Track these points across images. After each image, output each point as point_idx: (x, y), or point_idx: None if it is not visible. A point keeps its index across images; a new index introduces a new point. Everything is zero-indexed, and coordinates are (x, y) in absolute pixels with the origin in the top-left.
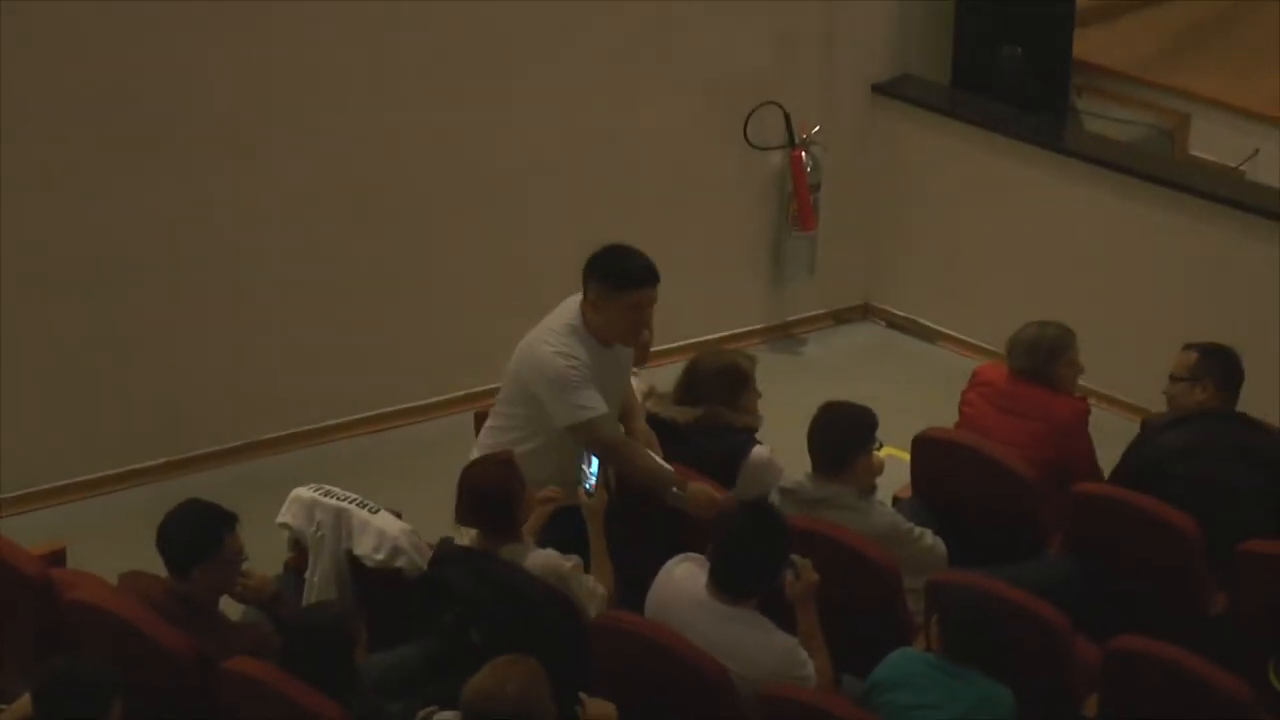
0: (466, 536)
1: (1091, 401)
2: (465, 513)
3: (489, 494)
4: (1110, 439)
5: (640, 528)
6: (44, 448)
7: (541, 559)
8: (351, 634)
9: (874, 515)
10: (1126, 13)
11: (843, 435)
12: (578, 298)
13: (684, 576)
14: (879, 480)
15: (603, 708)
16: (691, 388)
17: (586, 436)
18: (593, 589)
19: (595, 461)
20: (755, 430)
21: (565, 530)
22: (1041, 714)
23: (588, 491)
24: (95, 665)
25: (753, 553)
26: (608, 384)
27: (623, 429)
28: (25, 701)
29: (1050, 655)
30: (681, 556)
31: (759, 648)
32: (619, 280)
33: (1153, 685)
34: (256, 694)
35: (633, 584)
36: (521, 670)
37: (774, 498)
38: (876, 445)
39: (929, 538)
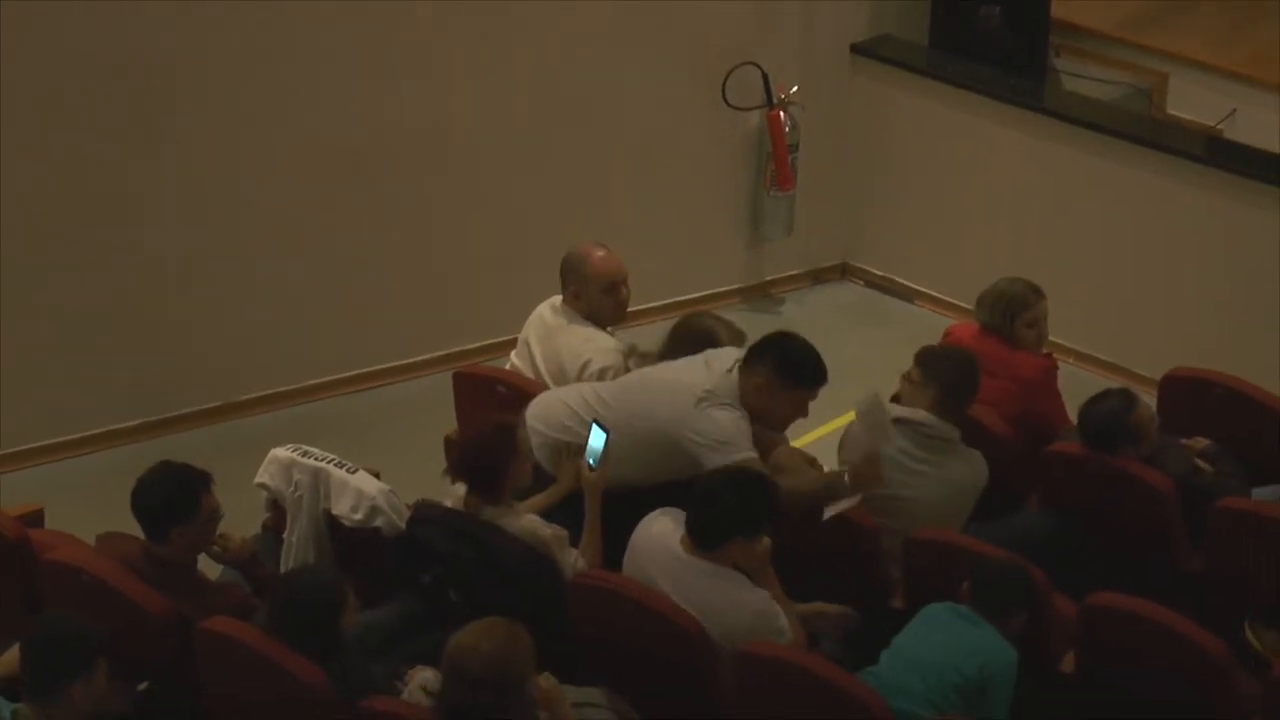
0: (452, 497)
1: (1069, 360)
2: (457, 467)
3: (481, 455)
4: (1086, 396)
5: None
6: (22, 409)
7: (522, 523)
8: (340, 598)
9: (980, 464)
10: None
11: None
12: (708, 362)
13: (661, 531)
14: None
15: (547, 681)
16: (674, 351)
17: None
18: (573, 563)
19: (603, 436)
20: None
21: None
22: (1019, 671)
23: (591, 466)
24: (83, 622)
25: (728, 508)
26: None
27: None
28: (10, 657)
29: (1029, 612)
30: (660, 511)
31: (732, 603)
32: (797, 378)
33: (1129, 642)
34: (235, 654)
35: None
36: (501, 631)
37: (891, 430)
38: None
39: None
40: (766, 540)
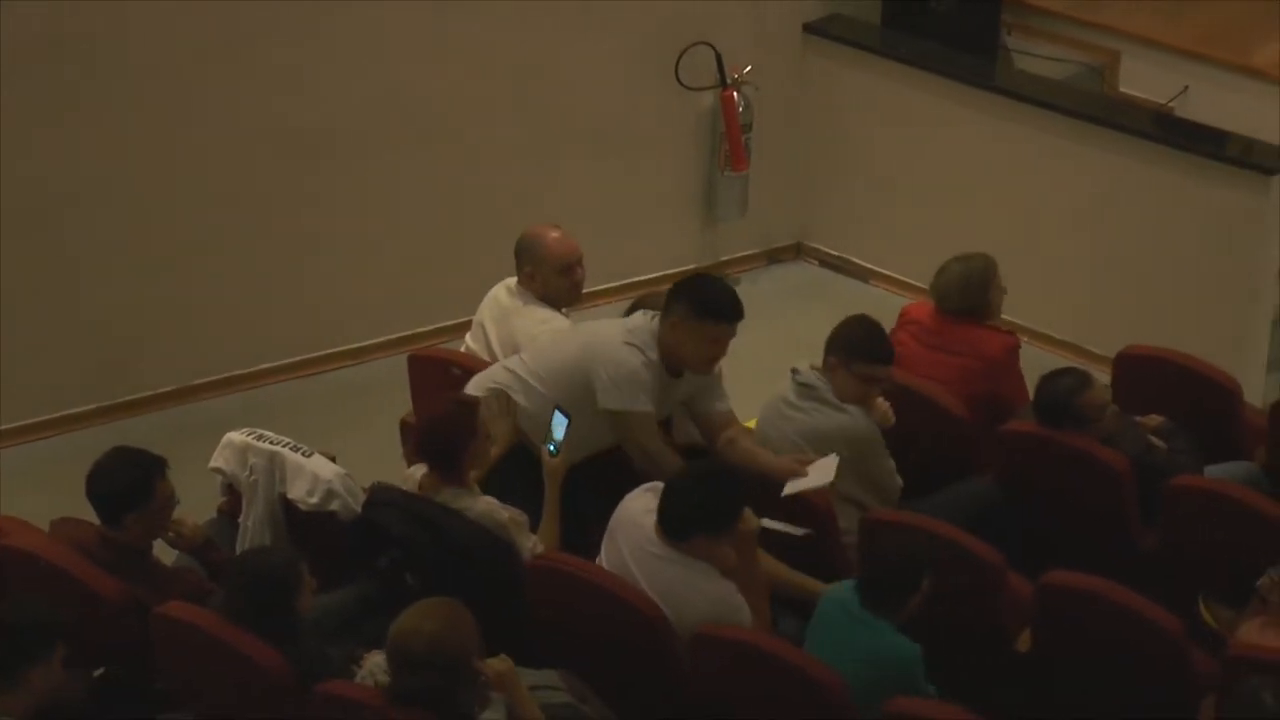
0: (408, 481)
1: (1024, 338)
2: (417, 446)
3: (440, 433)
4: (1040, 374)
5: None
6: None
7: (480, 506)
8: (296, 580)
9: (860, 419)
10: None
11: (852, 343)
12: (641, 317)
13: (639, 509)
14: None
15: (502, 663)
16: None
17: (625, 428)
18: (531, 548)
19: (564, 423)
20: None
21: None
22: (974, 650)
23: (551, 452)
24: (42, 608)
25: (692, 507)
26: (660, 403)
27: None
28: None
29: (983, 591)
30: (647, 486)
31: (694, 590)
32: (708, 313)
33: (1085, 620)
34: (191, 639)
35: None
36: (443, 611)
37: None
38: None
39: (892, 463)
40: (755, 521)
